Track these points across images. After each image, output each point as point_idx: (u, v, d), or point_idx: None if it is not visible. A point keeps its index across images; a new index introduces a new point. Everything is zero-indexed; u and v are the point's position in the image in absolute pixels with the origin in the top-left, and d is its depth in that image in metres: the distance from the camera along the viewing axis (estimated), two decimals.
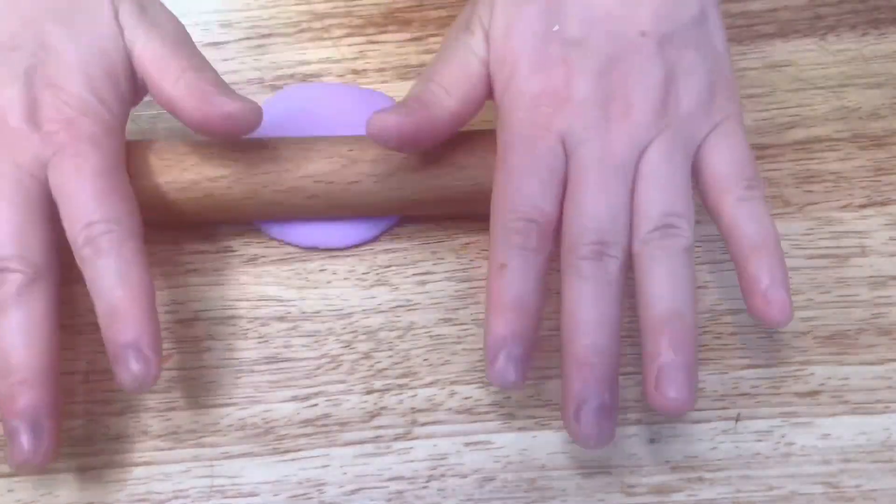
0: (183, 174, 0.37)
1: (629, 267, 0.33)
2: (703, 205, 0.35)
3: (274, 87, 0.43)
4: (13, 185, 0.33)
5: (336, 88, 0.42)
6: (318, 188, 0.37)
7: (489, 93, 0.36)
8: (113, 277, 0.32)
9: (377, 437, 0.36)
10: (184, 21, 0.38)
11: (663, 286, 0.32)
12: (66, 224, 0.33)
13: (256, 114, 0.34)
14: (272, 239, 0.39)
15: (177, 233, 0.40)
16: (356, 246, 0.39)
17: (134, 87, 0.36)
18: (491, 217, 0.34)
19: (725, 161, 0.34)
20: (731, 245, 0.33)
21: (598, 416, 0.31)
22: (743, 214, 0.33)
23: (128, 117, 0.37)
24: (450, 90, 0.35)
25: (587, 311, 0.32)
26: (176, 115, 0.35)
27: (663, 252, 0.32)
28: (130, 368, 0.31)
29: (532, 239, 0.32)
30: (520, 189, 0.33)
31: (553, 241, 0.33)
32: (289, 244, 0.39)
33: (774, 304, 0.32)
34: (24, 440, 0.31)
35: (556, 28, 0.34)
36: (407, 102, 0.35)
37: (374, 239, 0.39)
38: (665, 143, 0.33)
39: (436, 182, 0.37)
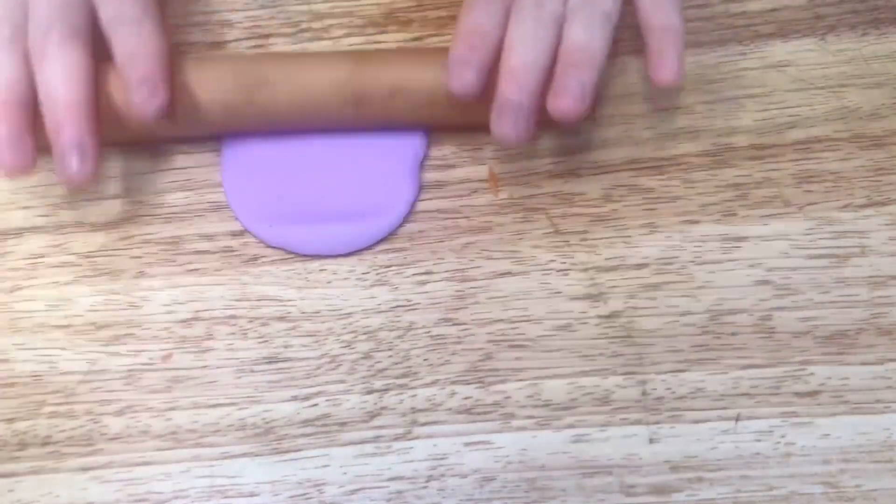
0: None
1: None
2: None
3: None
4: None
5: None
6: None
7: None
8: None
9: (377, 437, 0.36)
10: (184, 21, 0.38)
11: (578, 31, 0.37)
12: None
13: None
14: (273, 247, 0.39)
15: (177, 233, 0.40)
16: (356, 252, 0.39)
17: None
18: None
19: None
20: (644, 30, 0.38)
21: (516, 116, 0.36)
22: (656, 10, 0.38)
23: None
24: None
25: (523, 34, 0.37)
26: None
27: (585, 13, 0.37)
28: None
29: None
30: None
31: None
32: (290, 252, 0.39)
33: (668, 66, 0.37)
34: (73, 161, 0.36)
35: None
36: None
37: (373, 245, 0.39)
38: None
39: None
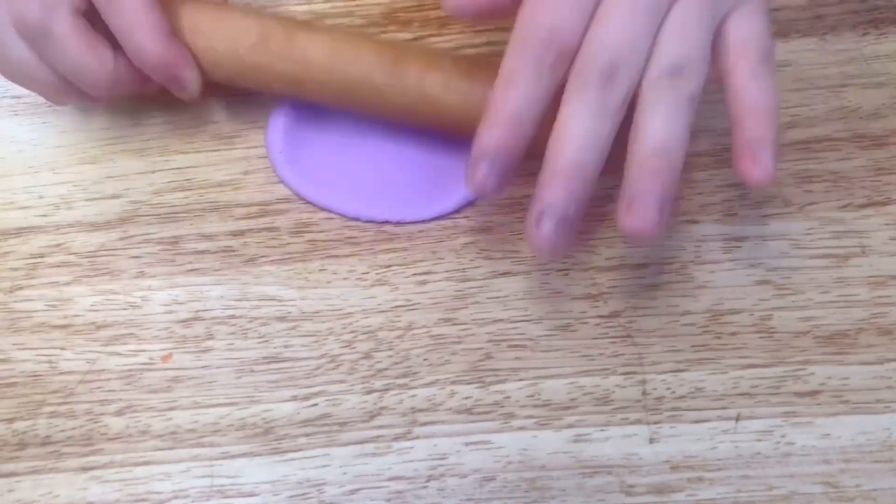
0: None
1: (630, 107, 0.32)
2: (715, 71, 0.34)
3: None
4: None
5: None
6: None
7: None
8: None
9: (377, 436, 0.36)
10: None
11: (657, 124, 0.32)
12: None
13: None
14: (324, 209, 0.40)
15: (177, 233, 0.40)
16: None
17: None
18: (513, 31, 0.32)
19: (747, 31, 0.33)
20: (733, 107, 0.33)
21: (558, 227, 0.32)
22: (752, 82, 0.33)
23: None
24: None
25: (580, 127, 0.31)
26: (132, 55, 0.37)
27: (667, 95, 0.32)
28: None
29: (551, 55, 0.32)
30: (549, 5, 0.32)
31: (568, 69, 0.32)
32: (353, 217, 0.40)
33: (760, 163, 0.32)
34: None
35: None
36: None
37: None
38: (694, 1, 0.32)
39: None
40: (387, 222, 0.40)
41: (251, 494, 0.35)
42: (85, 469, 0.36)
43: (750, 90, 0.33)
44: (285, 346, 0.38)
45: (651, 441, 0.35)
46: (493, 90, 0.32)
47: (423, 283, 0.39)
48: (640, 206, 0.31)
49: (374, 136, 0.41)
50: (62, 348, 0.38)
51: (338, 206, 0.40)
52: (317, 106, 0.40)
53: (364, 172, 0.41)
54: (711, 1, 0.33)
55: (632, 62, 0.32)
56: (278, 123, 0.41)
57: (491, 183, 0.33)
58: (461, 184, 0.36)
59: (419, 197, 0.40)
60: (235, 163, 0.42)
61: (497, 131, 0.32)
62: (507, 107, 0.32)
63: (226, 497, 0.35)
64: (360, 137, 0.41)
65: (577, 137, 0.31)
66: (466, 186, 0.33)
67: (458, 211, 0.40)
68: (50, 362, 0.38)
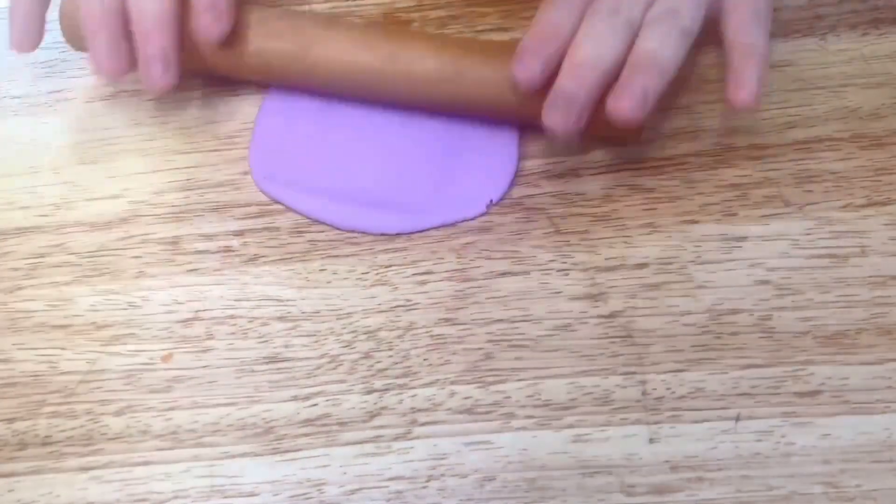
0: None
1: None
2: (712, 22, 0.38)
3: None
4: None
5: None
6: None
7: None
8: None
9: (377, 436, 0.36)
10: None
11: (651, 42, 0.37)
12: None
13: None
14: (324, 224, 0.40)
15: (177, 233, 0.40)
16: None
17: None
18: None
19: None
20: (727, 46, 0.38)
21: (569, 107, 0.36)
22: (744, 27, 0.38)
23: None
24: None
25: (594, 35, 0.37)
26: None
27: (662, 23, 0.37)
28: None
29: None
30: None
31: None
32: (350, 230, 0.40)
33: (746, 86, 0.37)
34: (157, 69, 0.39)
35: None
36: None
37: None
38: None
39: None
40: (383, 235, 0.40)
41: (251, 494, 0.35)
42: (85, 469, 0.36)
43: (742, 33, 0.38)
44: (285, 346, 0.38)
45: (651, 441, 0.35)
46: (535, 15, 0.38)
47: (423, 283, 0.39)
48: (626, 93, 0.36)
49: (366, 147, 0.41)
50: (62, 348, 0.38)
51: (332, 219, 0.40)
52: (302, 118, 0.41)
53: (357, 182, 0.41)
54: None
55: (633, 4, 0.37)
56: (260, 145, 0.42)
57: (534, 70, 0.37)
58: (454, 197, 0.38)
59: (416, 205, 0.40)
60: (235, 163, 0.42)
61: (535, 34, 0.37)
62: (544, 18, 0.38)
63: (226, 497, 0.35)
64: (351, 147, 0.41)
65: (590, 41, 0.37)
66: (515, 75, 0.37)
67: (453, 224, 0.40)
68: (50, 362, 0.38)
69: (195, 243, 0.40)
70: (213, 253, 0.39)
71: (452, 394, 0.37)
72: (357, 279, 0.39)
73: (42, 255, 0.40)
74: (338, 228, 0.40)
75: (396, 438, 0.36)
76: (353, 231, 0.40)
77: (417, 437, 0.36)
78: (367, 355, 0.37)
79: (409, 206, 0.40)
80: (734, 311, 0.37)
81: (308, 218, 0.40)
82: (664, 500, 0.34)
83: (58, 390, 0.37)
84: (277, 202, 0.40)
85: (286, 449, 0.36)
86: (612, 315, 0.38)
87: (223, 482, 0.35)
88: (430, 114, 0.41)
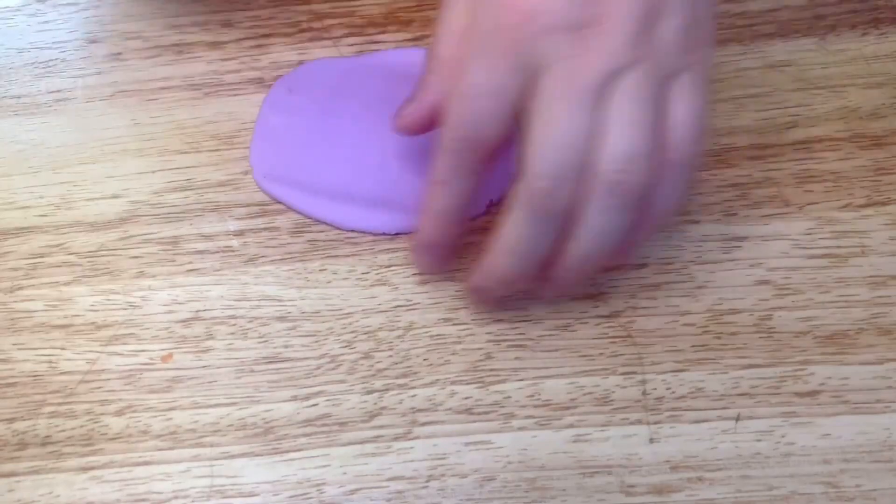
0: None
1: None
2: None
3: None
4: None
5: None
6: None
7: None
8: None
9: (377, 436, 0.36)
10: (185, 21, 0.38)
11: (589, 238, 0.32)
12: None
13: None
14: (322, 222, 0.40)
15: (177, 233, 0.40)
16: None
17: None
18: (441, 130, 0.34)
19: (682, 113, 0.32)
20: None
21: (486, 297, 0.37)
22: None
23: None
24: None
25: (517, 234, 0.33)
26: None
27: (602, 214, 0.32)
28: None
29: (469, 161, 0.34)
30: (470, 109, 0.32)
31: (491, 160, 0.34)
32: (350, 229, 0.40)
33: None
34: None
35: None
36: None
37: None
38: (639, 75, 0.31)
39: None
40: (383, 235, 0.40)
41: (251, 494, 0.35)
42: (85, 469, 0.36)
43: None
44: (285, 346, 0.38)
45: (651, 441, 0.35)
46: (427, 188, 0.35)
47: (423, 283, 0.39)
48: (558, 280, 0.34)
49: (365, 147, 0.41)
50: (62, 348, 0.38)
51: (332, 219, 0.40)
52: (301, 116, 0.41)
53: (357, 182, 0.41)
54: (654, 74, 0.31)
55: (568, 180, 0.31)
56: (260, 144, 0.42)
57: (428, 262, 0.37)
58: None
59: (416, 205, 0.40)
60: (235, 163, 0.42)
61: (429, 226, 0.36)
62: (436, 206, 0.35)
63: (226, 497, 0.35)
64: (351, 146, 0.41)
65: (511, 246, 0.33)
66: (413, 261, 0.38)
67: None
68: (50, 362, 0.38)
69: (195, 243, 0.40)
70: (212, 253, 0.39)
71: (452, 394, 0.37)
72: (357, 279, 0.39)
73: (42, 255, 0.40)
74: (338, 228, 0.40)
75: (396, 438, 0.36)
76: (353, 231, 0.40)
77: (417, 437, 0.36)
78: (367, 355, 0.37)
79: (409, 206, 0.40)
80: (734, 311, 0.37)
81: (308, 218, 0.40)
82: (664, 500, 0.34)
83: (58, 390, 0.37)
84: (277, 202, 0.40)
85: (286, 449, 0.36)
86: (612, 315, 0.38)
87: (223, 482, 0.35)
88: None
